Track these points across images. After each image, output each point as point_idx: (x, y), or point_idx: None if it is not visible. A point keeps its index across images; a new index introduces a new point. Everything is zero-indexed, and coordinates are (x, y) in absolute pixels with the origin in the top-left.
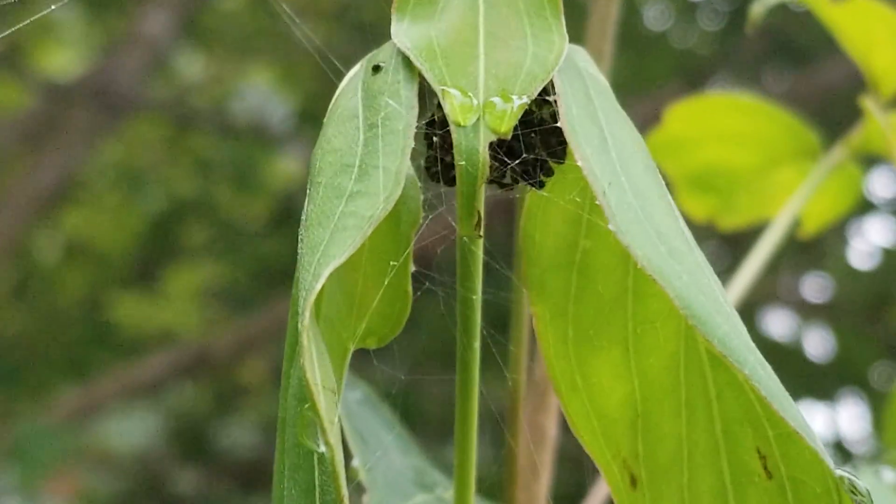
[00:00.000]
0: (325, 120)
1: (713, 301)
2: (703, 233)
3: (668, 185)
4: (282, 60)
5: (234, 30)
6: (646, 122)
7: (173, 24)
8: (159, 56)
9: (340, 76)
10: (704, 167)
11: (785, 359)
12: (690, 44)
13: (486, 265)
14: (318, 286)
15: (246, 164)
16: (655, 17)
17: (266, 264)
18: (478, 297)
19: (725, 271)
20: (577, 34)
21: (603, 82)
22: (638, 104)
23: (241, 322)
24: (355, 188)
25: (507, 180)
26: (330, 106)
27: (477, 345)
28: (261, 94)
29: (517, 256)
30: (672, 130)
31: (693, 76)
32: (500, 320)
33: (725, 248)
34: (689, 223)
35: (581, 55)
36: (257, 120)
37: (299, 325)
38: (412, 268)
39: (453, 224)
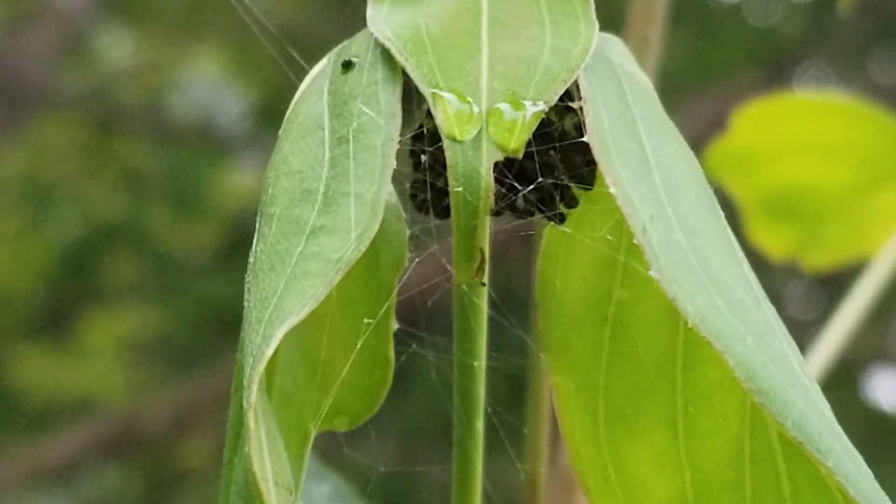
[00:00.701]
0: (280, 132)
1: (787, 371)
2: (783, 274)
3: (735, 210)
4: (236, 41)
5: (174, 1)
6: (709, 127)
7: None
8: (75, 35)
9: (305, 69)
10: (784, 188)
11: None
12: (772, 21)
13: (493, 321)
14: (269, 351)
15: (188, 178)
16: None
17: (214, 309)
18: (480, 364)
19: (815, 322)
20: (614, 18)
21: (644, 83)
22: (699, 102)
23: (180, 387)
24: (319, 222)
25: (520, 212)
26: (287, 114)
27: (480, 426)
28: (208, 86)
29: (533, 310)
30: (742, 140)
31: (774, 65)
32: (510, 394)
33: (813, 292)
34: (765, 262)
35: (616, 47)
36: (203, 120)
37: (244, 403)
38: (394, 325)
39: (448, 268)
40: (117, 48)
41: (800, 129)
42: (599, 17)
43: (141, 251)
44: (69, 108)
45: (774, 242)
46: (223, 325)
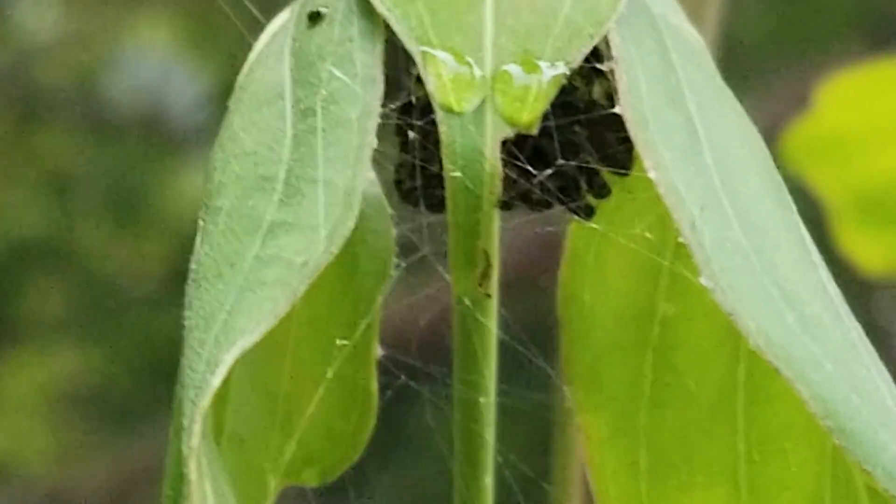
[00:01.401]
0: (229, 104)
1: (876, 405)
2: (881, 285)
3: (821, 211)
4: (192, 6)
5: None
6: (792, 108)
7: None
8: None
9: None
10: (883, 184)
11: None
12: None
13: (504, 346)
14: (216, 381)
15: (130, 181)
16: None
17: (161, 350)
18: (488, 401)
19: None
20: None
21: (694, 40)
22: (782, 81)
23: (120, 448)
24: (279, 217)
25: (535, 203)
26: (238, 80)
27: (488, 481)
28: (155, 64)
29: (556, 331)
30: (830, 121)
31: (878, 33)
32: (528, 440)
33: None
34: (858, 271)
35: None
36: (149, 107)
37: (184, 448)
38: (378, 351)
39: (445, 277)
40: (39, 15)
41: None
42: None
43: (70, 275)
44: None
45: (869, 248)
46: (172, 370)
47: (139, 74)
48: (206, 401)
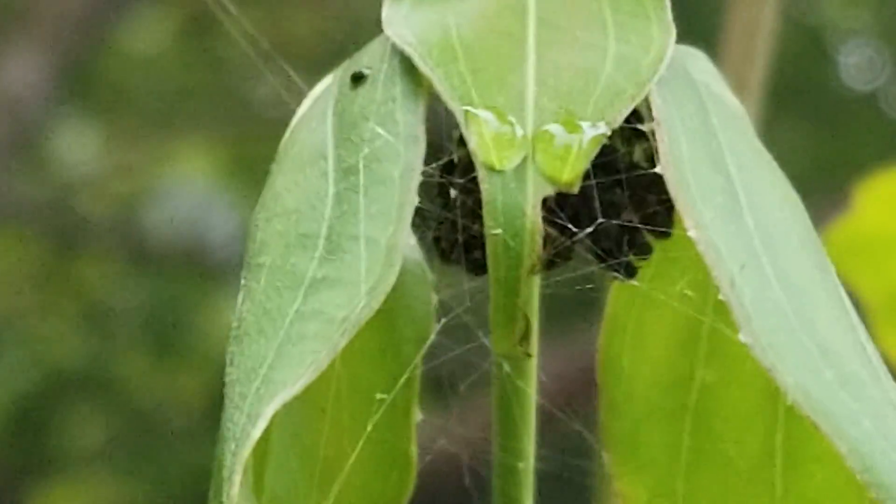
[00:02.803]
0: (272, 166)
1: None
2: None
3: (859, 311)
4: (231, 137)
5: (150, 83)
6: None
7: (49, 76)
8: (27, 130)
9: None
10: None
11: None
12: None
13: (543, 411)
14: (256, 433)
15: (170, 313)
16: (860, 70)
17: (201, 481)
18: (527, 466)
19: None
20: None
21: (735, 106)
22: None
23: None
24: (320, 273)
25: (575, 263)
26: (282, 143)
27: None
28: (196, 195)
29: (595, 397)
30: (869, 221)
31: None
32: None
33: None
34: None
35: (699, 63)
36: (190, 238)
37: (224, 499)
38: (418, 415)
39: (484, 340)
40: (81, 147)
41: None
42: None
43: (108, 406)
44: (19, 222)
45: None
46: None
47: (178, 206)
48: (245, 451)
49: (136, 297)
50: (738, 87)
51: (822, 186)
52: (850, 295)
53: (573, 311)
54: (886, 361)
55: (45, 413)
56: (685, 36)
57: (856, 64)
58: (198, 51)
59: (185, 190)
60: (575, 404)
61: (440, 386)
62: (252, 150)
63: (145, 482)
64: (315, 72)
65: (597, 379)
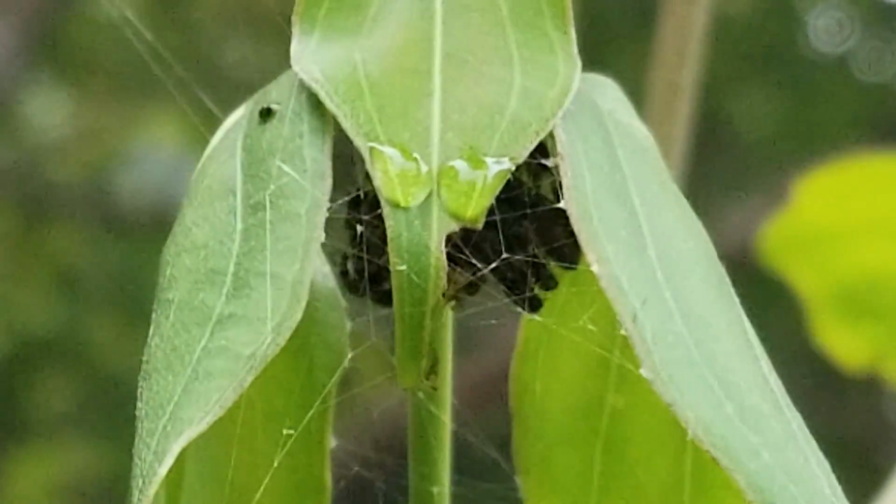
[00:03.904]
0: (183, 199)
1: (812, 493)
2: (861, 386)
3: (799, 307)
4: (201, 103)
5: (118, 53)
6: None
7: (17, 42)
8: None
9: None
10: (863, 279)
11: None
12: (888, 76)
13: (457, 438)
14: (162, 470)
15: (140, 278)
16: (829, 33)
17: None
18: (442, 491)
19: None
20: (634, 59)
21: (642, 137)
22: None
23: None
24: (227, 309)
25: (481, 298)
26: (193, 176)
27: None
28: (166, 161)
29: (508, 423)
30: (808, 216)
31: (888, 130)
32: None
33: None
34: (839, 368)
35: (606, 91)
36: (159, 203)
37: None
38: (331, 442)
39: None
40: (50, 113)
41: (883, 202)
42: (615, 55)
43: (78, 371)
44: None
45: (850, 348)
46: None
47: (149, 171)
48: (152, 490)
49: (107, 262)
50: (677, 58)
51: (790, 152)
52: (790, 291)
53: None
54: (826, 357)
55: (17, 379)
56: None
57: (825, 26)
58: (169, 15)
59: (156, 155)
60: (485, 420)
61: (354, 412)
62: (223, 116)
63: (117, 447)
64: (285, 36)
65: (507, 394)
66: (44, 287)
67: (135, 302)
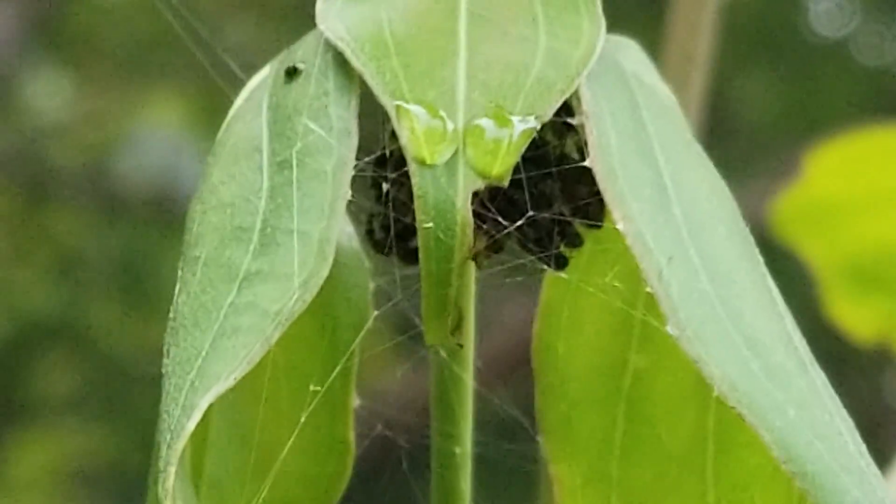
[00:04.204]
0: (209, 158)
1: (838, 451)
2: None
3: (810, 279)
4: (202, 86)
5: (119, 35)
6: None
7: (18, 25)
8: None
9: None
10: (872, 249)
11: None
12: (888, 60)
13: (480, 398)
14: (191, 425)
15: (141, 261)
16: (830, 17)
17: None
18: (464, 451)
19: None
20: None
21: (665, 97)
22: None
23: None
24: (254, 266)
25: (507, 255)
26: (218, 136)
27: None
28: (166, 144)
29: (530, 383)
30: (820, 189)
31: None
32: (508, 492)
33: None
34: (847, 341)
35: (630, 53)
36: (160, 186)
37: (160, 491)
38: (355, 401)
39: (419, 325)
40: (52, 96)
41: (894, 175)
42: (629, 29)
43: (79, 354)
44: None
45: (861, 319)
46: None
47: (150, 154)
48: (180, 444)
49: (108, 245)
50: (690, 33)
51: (791, 136)
52: (801, 261)
53: (506, 290)
54: (836, 328)
55: (17, 362)
56: None
57: (826, 10)
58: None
59: (157, 138)
60: (510, 382)
61: (378, 372)
62: (224, 99)
63: (117, 430)
64: (287, 19)
65: (531, 357)
66: (45, 270)
67: (136, 285)
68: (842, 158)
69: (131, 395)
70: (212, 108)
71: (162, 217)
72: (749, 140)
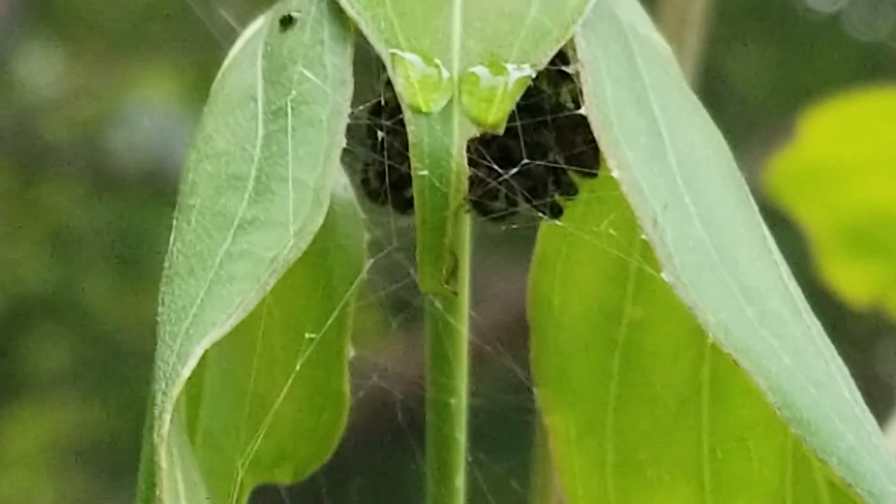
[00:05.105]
0: (204, 108)
1: (833, 397)
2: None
3: (805, 243)
4: (195, 61)
5: (114, 9)
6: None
7: (11, 1)
8: None
9: None
10: (867, 213)
11: None
12: (881, 34)
13: (475, 348)
14: (186, 372)
15: (134, 236)
16: None
17: None
18: (459, 402)
19: None
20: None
21: (661, 48)
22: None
23: (120, 502)
24: (249, 214)
25: (501, 203)
26: (213, 85)
27: (460, 482)
28: (159, 119)
29: (525, 333)
30: (814, 152)
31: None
32: (503, 443)
33: None
34: (843, 304)
35: (625, 3)
36: (153, 161)
37: (155, 438)
38: (350, 352)
39: (415, 277)
40: (44, 71)
41: (890, 138)
42: None
43: (72, 329)
44: None
45: (856, 282)
46: None
47: (143, 129)
48: (175, 390)
49: (100, 220)
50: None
51: (784, 105)
52: (796, 225)
53: (507, 249)
54: (831, 290)
55: (9, 337)
56: None
57: None
58: None
59: (150, 113)
60: (508, 341)
61: (373, 322)
62: (216, 74)
63: (111, 405)
64: None
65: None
66: (38, 245)
67: (129, 259)
68: (837, 121)
69: (124, 370)
70: (204, 82)
71: (155, 191)
72: (743, 108)
